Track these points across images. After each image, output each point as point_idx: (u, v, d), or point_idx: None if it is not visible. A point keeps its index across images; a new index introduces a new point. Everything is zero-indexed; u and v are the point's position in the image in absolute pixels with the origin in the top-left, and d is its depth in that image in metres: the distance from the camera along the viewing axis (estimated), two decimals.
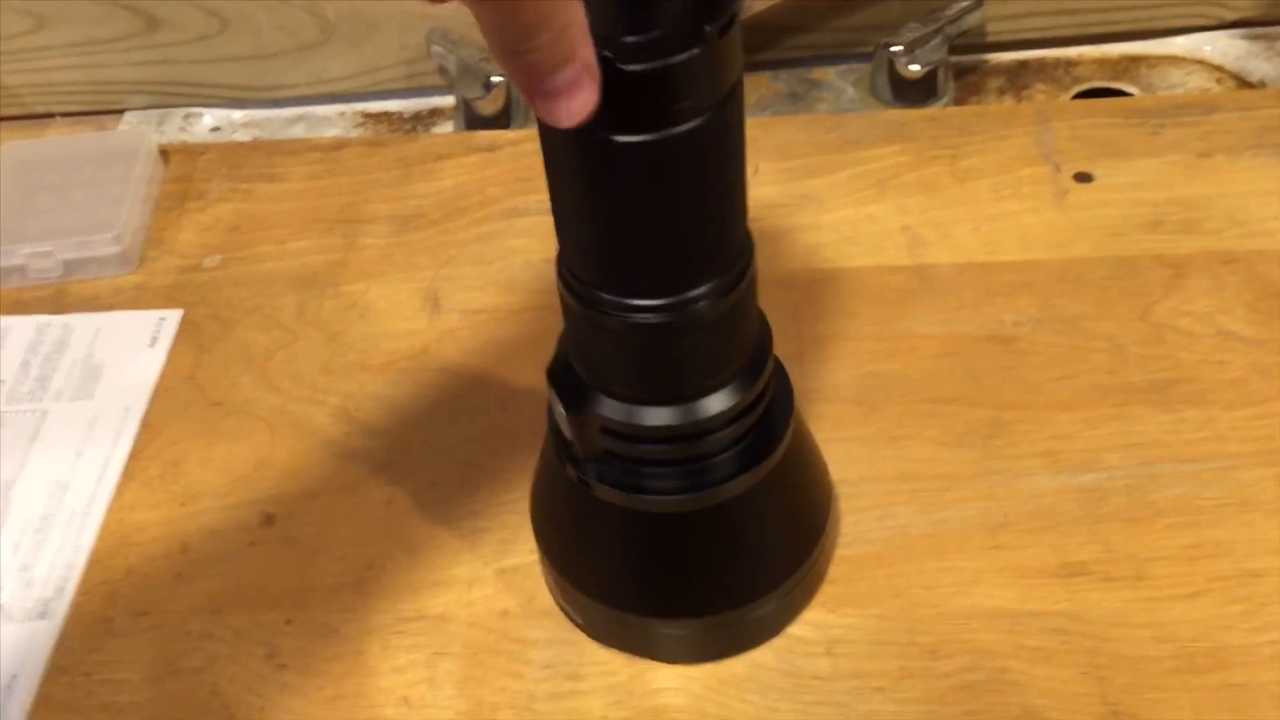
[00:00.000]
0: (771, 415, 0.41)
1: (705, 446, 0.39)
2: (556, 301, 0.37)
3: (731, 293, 0.36)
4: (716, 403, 0.38)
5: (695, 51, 0.30)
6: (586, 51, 0.28)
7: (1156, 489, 0.46)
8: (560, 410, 0.39)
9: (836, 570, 0.45)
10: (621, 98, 0.30)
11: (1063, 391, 0.50)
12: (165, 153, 0.67)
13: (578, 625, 0.45)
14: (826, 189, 0.60)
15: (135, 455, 0.52)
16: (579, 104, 0.29)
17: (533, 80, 0.28)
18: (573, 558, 0.43)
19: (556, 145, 0.33)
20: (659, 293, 0.35)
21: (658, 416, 0.38)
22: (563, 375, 0.39)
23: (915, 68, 0.64)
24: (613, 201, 0.33)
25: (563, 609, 0.45)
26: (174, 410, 0.54)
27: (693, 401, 0.38)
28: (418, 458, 0.51)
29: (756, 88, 0.69)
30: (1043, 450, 0.48)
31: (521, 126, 0.68)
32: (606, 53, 0.29)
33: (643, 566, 0.42)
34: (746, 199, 0.36)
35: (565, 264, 0.36)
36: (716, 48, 0.30)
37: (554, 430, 0.41)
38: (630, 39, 0.30)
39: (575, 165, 0.33)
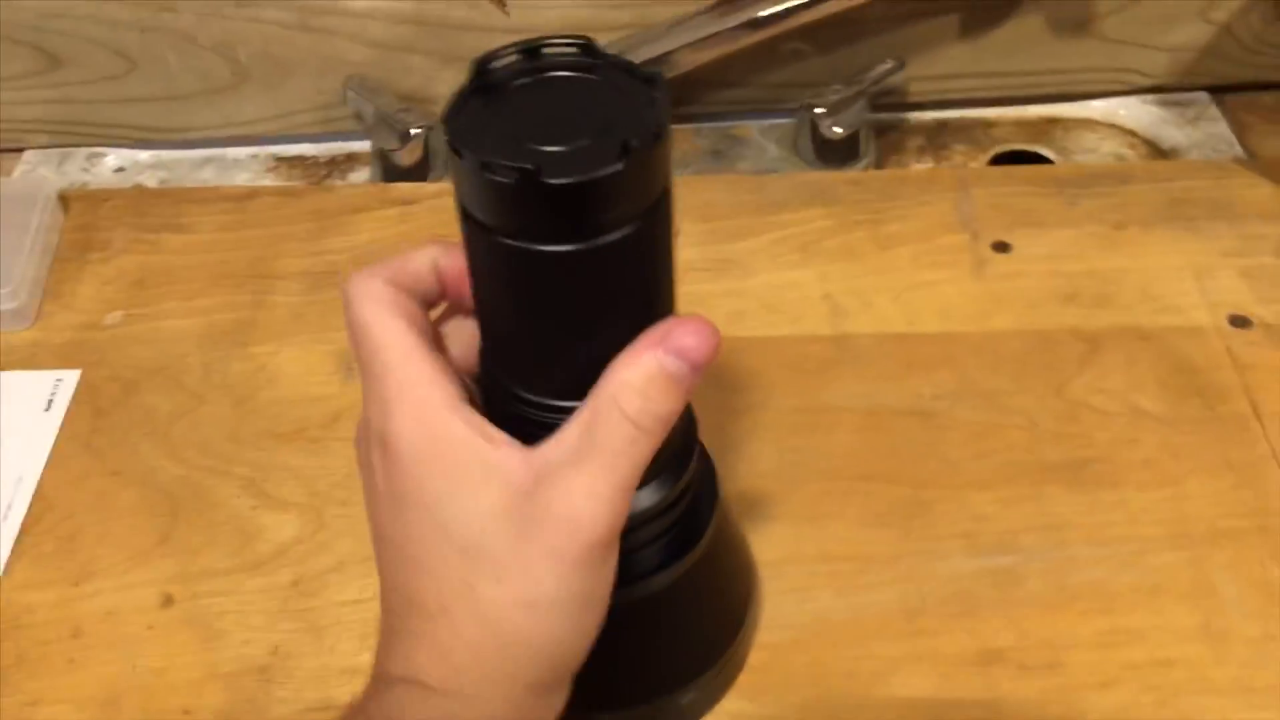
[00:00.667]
0: (696, 507, 0.40)
1: (630, 542, 0.38)
2: None
3: None
4: (643, 499, 0.37)
5: (619, 166, 0.29)
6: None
7: (1072, 572, 0.47)
8: None
9: (756, 656, 0.45)
10: (546, 209, 0.29)
11: (981, 470, 0.50)
12: (65, 199, 0.64)
13: None
14: (749, 253, 0.60)
15: (27, 529, 0.50)
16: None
17: None
18: None
19: (480, 251, 0.32)
20: (583, 396, 0.34)
21: None
22: None
23: (838, 130, 0.64)
24: (537, 308, 0.32)
25: None
26: (69, 480, 0.52)
27: None
28: (328, 535, 0.49)
29: (679, 143, 0.68)
30: (961, 531, 0.48)
31: (440, 178, 0.66)
32: (529, 165, 0.29)
33: None
34: (675, 299, 0.35)
35: (487, 361, 0.35)
36: (643, 160, 0.30)
37: None
38: (554, 150, 0.30)
39: (500, 271, 0.32)
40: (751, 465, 0.51)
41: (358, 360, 0.33)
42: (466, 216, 0.31)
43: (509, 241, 0.30)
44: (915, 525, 0.48)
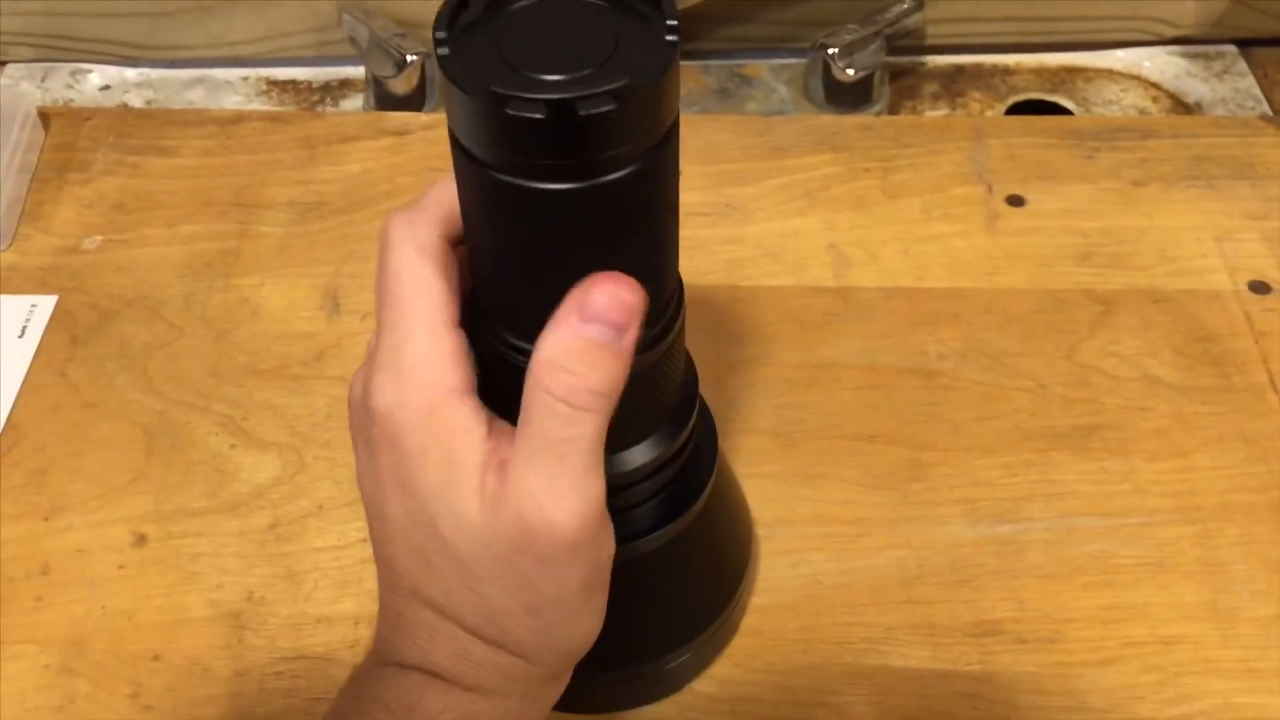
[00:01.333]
0: (694, 465, 0.38)
1: (623, 499, 0.37)
2: None
3: (657, 345, 0.33)
4: (637, 456, 0.36)
5: (626, 98, 0.27)
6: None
7: (1075, 544, 0.45)
8: None
9: (747, 620, 0.43)
10: (546, 144, 0.27)
11: (984, 433, 0.48)
12: (45, 116, 0.62)
13: None
14: (752, 198, 0.57)
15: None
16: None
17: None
18: None
19: (472, 187, 0.30)
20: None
21: None
22: None
23: (851, 72, 0.61)
24: (531, 249, 0.30)
25: None
26: (42, 410, 0.50)
27: (611, 454, 0.35)
28: (307, 477, 0.48)
29: (685, 81, 0.66)
30: (961, 497, 0.47)
31: (436, 109, 0.64)
32: (529, 95, 0.26)
33: None
34: (677, 244, 0.33)
35: (475, 303, 0.33)
36: (652, 93, 0.28)
37: None
38: (555, 79, 0.27)
39: (492, 209, 0.30)
40: (747, 420, 0.49)
41: (379, 312, 0.31)
42: (459, 148, 0.29)
43: (502, 178, 0.28)
44: (914, 489, 0.47)
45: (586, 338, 0.29)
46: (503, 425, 0.31)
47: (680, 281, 0.34)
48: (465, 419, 0.30)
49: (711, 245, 0.55)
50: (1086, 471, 0.47)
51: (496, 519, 0.30)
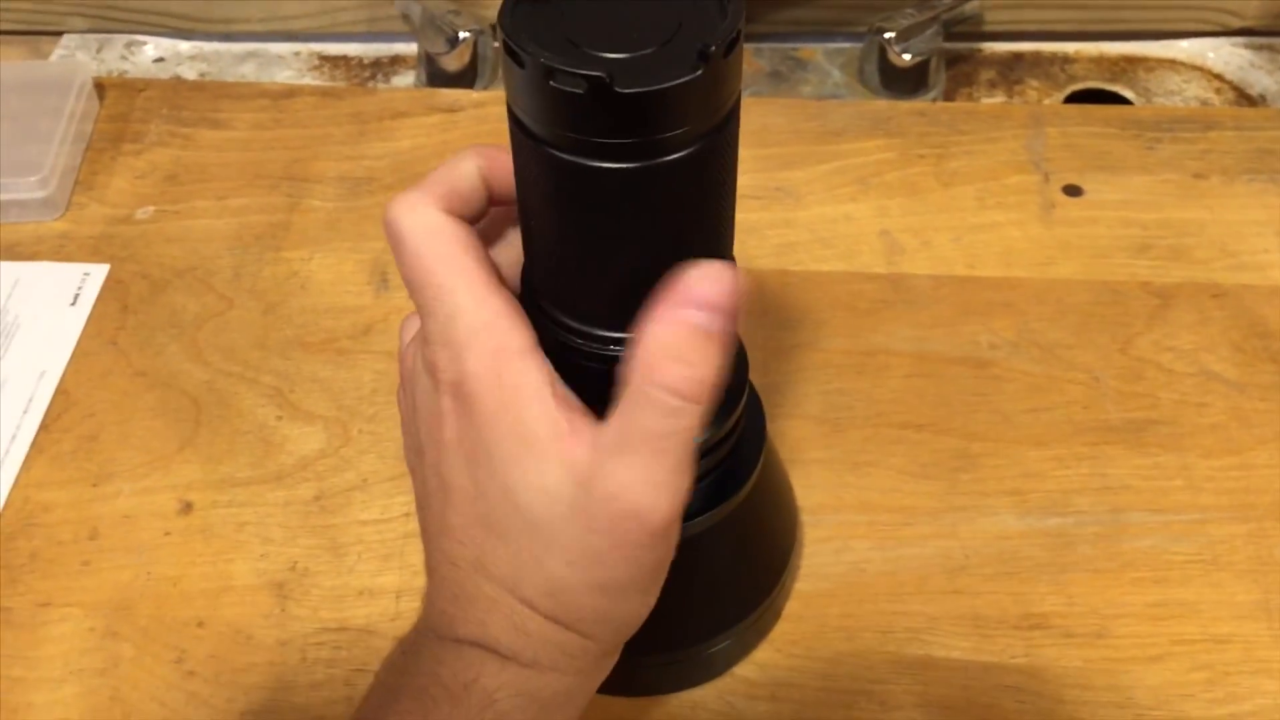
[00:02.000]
0: (741, 450, 0.38)
1: None
2: None
3: None
4: None
5: (694, 75, 0.27)
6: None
7: (1125, 539, 0.44)
8: None
9: (790, 606, 0.43)
10: (610, 121, 0.27)
11: (1035, 425, 0.48)
12: (101, 87, 0.62)
13: None
14: (804, 182, 0.57)
15: (47, 426, 0.49)
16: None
17: None
18: None
19: (531, 165, 0.30)
20: (625, 328, 0.32)
21: None
22: None
23: (907, 56, 0.61)
24: (588, 229, 0.30)
25: None
26: (93, 378, 0.50)
27: None
28: (352, 451, 0.48)
29: None
30: (1010, 488, 0.46)
31: (487, 86, 0.64)
32: (596, 73, 0.26)
33: None
34: (734, 228, 0.33)
35: (529, 281, 0.33)
36: (718, 70, 0.27)
37: None
38: (619, 56, 0.27)
39: (551, 188, 0.30)
40: (795, 406, 0.48)
41: (416, 297, 0.31)
42: (519, 126, 0.29)
43: (564, 156, 0.28)
44: (962, 479, 0.46)
45: (696, 326, 0.29)
46: (565, 388, 0.31)
47: (734, 263, 0.34)
48: (533, 380, 0.30)
49: (762, 229, 0.55)
50: (1139, 466, 0.46)
51: (585, 498, 0.29)
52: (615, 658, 0.34)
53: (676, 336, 0.28)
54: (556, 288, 0.32)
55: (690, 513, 0.36)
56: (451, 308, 0.30)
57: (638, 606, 0.32)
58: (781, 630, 0.42)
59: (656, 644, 0.39)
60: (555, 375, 0.31)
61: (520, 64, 0.27)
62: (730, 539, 0.39)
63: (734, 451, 0.38)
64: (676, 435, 0.29)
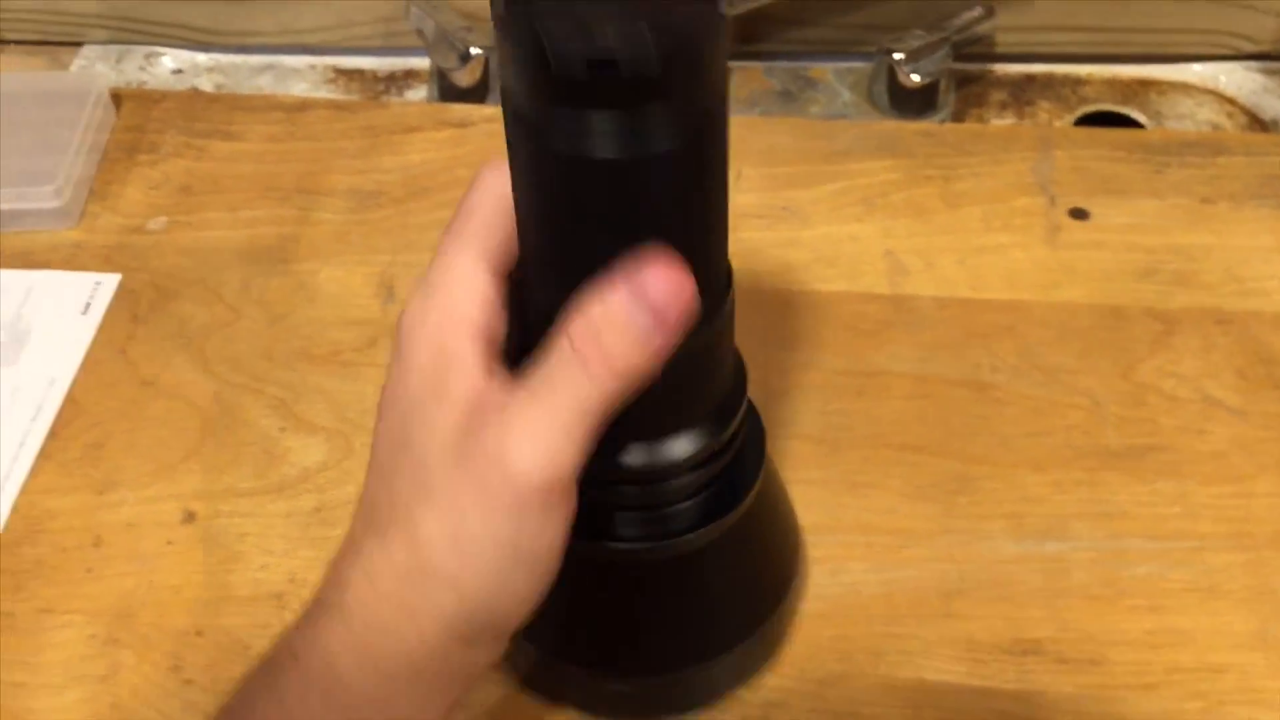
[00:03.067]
0: (740, 464, 0.38)
1: (664, 493, 0.36)
2: None
3: (705, 328, 0.32)
4: (679, 447, 0.35)
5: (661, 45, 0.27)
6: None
7: (1122, 566, 0.44)
8: None
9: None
10: (595, 111, 0.27)
11: (1035, 449, 0.48)
12: (118, 98, 0.63)
13: (514, 670, 0.42)
14: (810, 202, 0.57)
15: (55, 433, 0.49)
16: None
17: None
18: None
19: (522, 152, 0.30)
20: None
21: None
22: None
23: (916, 78, 0.61)
24: (578, 224, 0.30)
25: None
26: (101, 386, 0.51)
27: (654, 441, 0.35)
28: (354, 463, 0.48)
29: (748, 82, 0.65)
30: (1008, 512, 0.46)
31: (499, 102, 0.64)
32: (596, 41, 0.26)
33: (591, 617, 0.39)
34: (728, 227, 0.33)
35: (526, 285, 0.33)
36: (698, 58, 0.28)
37: None
38: (606, 43, 0.27)
39: (542, 183, 0.30)
40: (793, 425, 0.49)
41: (443, 236, 0.33)
42: (507, 107, 0.29)
43: (549, 142, 0.28)
44: (960, 502, 0.46)
45: (627, 315, 0.29)
46: (501, 367, 0.32)
47: (730, 269, 0.34)
48: (468, 354, 0.31)
49: (766, 248, 0.55)
50: (1138, 493, 0.46)
51: (465, 440, 0.30)
52: (474, 653, 0.32)
53: (607, 313, 0.29)
54: (545, 281, 0.32)
55: (687, 526, 0.37)
56: (450, 259, 0.32)
57: (493, 584, 0.30)
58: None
59: (650, 665, 0.40)
60: (504, 371, 0.31)
61: (504, 33, 0.27)
62: (730, 555, 0.38)
63: (733, 464, 0.37)
64: (573, 403, 0.29)
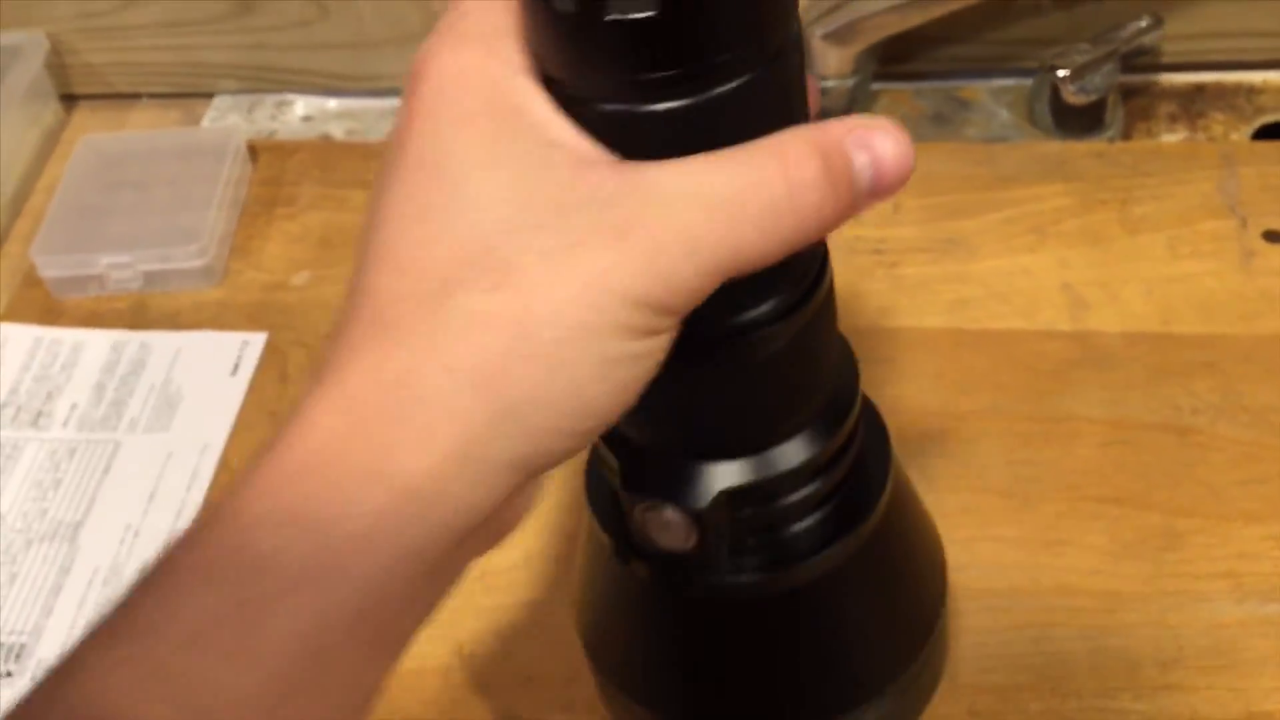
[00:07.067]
0: (863, 470, 0.33)
1: (777, 514, 0.32)
2: None
3: (798, 311, 0.29)
4: (788, 454, 0.31)
5: None
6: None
7: None
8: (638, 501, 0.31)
9: (984, 702, 0.40)
10: (647, 53, 0.24)
11: (1248, 499, 0.44)
12: (253, 150, 0.62)
13: None
14: (976, 233, 0.54)
15: (210, 502, 0.48)
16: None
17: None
18: (631, 665, 0.36)
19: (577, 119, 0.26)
20: (709, 316, 0.26)
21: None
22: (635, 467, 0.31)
23: (1083, 95, 0.57)
24: None
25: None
26: (254, 450, 0.50)
27: (758, 454, 0.30)
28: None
29: (897, 105, 0.62)
30: (1224, 570, 0.42)
31: None
32: None
33: (703, 668, 0.35)
34: None
35: None
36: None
37: (603, 518, 0.33)
38: None
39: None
40: (978, 478, 0.45)
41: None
42: (553, 91, 0.25)
43: (604, 107, 0.25)
44: (1169, 559, 0.43)
45: (851, 163, 0.25)
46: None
47: (825, 246, 0.30)
48: (526, 86, 0.24)
49: (933, 284, 0.52)
50: None
51: (579, 194, 0.23)
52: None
53: (831, 140, 0.24)
54: None
55: (807, 550, 0.32)
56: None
57: (564, 397, 0.23)
58: None
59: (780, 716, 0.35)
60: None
61: (549, 4, 0.24)
62: (865, 580, 0.33)
63: (854, 471, 0.33)
64: (756, 194, 0.23)
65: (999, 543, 0.44)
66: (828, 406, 0.31)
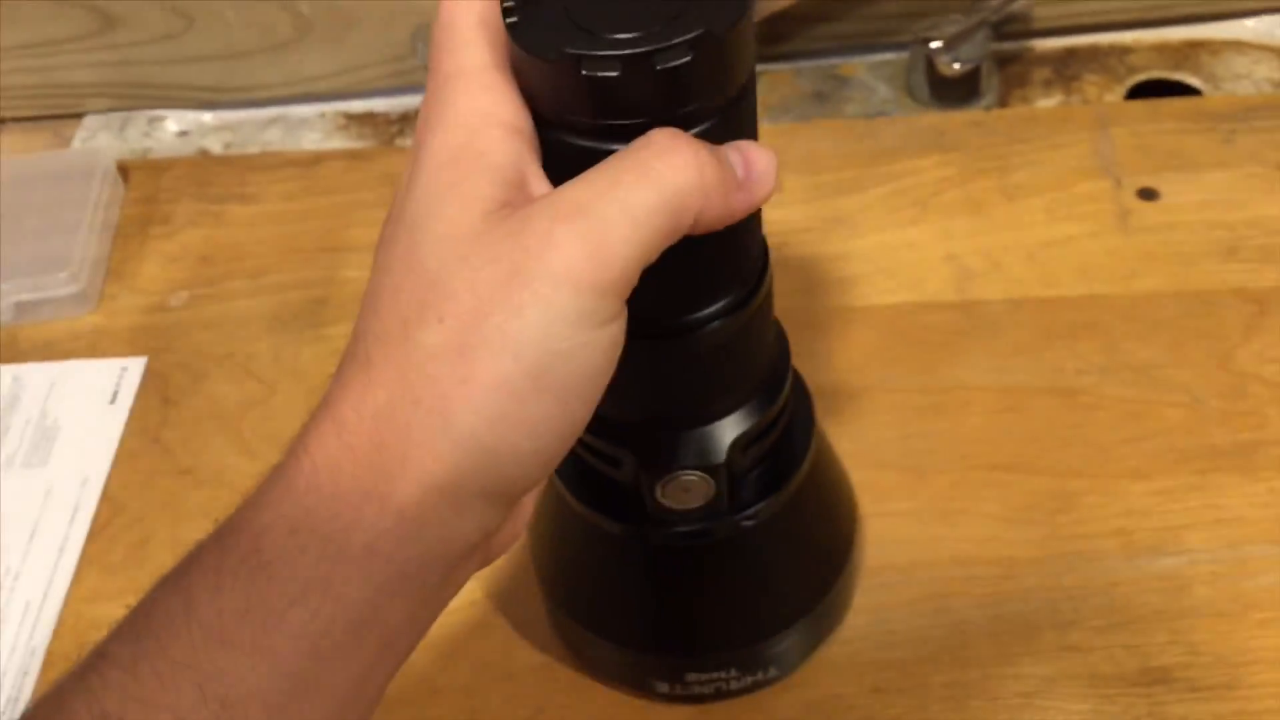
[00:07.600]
0: (790, 437, 0.37)
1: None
2: None
3: (744, 308, 0.32)
4: (729, 428, 0.35)
5: (702, 45, 0.26)
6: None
7: (1246, 576, 0.41)
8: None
9: (885, 675, 0.40)
10: (618, 103, 0.27)
11: (1135, 456, 0.44)
12: (125, 169, 0.60)
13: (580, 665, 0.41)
14: (859, 209, 0.54)
15: (94, 535, 0.47)
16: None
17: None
18: (584, 598, 0.40)
19: (552, 160, 0.28)
20: (667, 314, 0.31)
21: None
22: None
23: (957, 65, 0.57)
24: None
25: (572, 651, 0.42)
26: (137, 480, 0.49)
27: (706, 426, 0.34)
28: None
29: (777, 87, 0.62)
30: (1115, 529, 0.43)
31: None
32: (608, 52, 0.26)
33: (647, 599, 0.40)
34: (759, 223, 0.33)
35: None
36: (722, 45, 0.27)
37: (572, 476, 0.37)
38: (624, 36, 0.26)
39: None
40: (872, 453, 0.45)
41: (431, 56, 0.28)
42: (536, 122, 0.28)
43: (579, 143, 0.27)
44: (1062, 522, 0.43)
45: (725, 167, 0.27)
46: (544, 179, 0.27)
47: (766, 246, 0.34)
48: (499, 141, 0.26)
49: (819, 262, 0.52)
50: (1254, 494, 0.43)
51: (493, 227, 0.25)
52: (469, 525, 0.26)
53: (718, 152, 0.27)
54: None
55: (742, 504, 0.36)
56: (457, 68, 0.27)
57: (512, 422, 0.25)
58: (881, 703, 0.40)
59: (710, 643, 0.39)
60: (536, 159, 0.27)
61: (532, 53, 0.27)
62: (787, 531, 0.38)
63: (783, 438, 0.37)
64: (658, 193, 0.25)
65: (896, 517, 0.44)
66: (762, 387, 0.35)
